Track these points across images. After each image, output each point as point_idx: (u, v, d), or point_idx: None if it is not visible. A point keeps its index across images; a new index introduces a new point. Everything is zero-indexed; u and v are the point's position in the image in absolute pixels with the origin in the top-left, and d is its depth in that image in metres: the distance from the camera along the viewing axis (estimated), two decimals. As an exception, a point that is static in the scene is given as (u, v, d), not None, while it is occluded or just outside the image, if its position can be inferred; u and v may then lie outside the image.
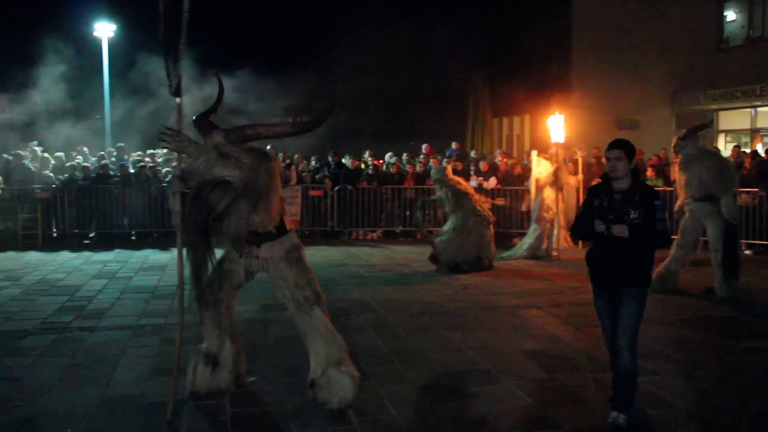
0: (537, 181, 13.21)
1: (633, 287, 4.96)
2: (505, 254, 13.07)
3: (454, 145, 20.36)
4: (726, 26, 22.85)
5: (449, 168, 12.53)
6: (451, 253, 11.56)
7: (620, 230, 4.84)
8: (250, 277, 5.76)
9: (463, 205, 11.64)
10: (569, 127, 13.79)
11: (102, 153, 17.69)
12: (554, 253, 13.03)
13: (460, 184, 11.92)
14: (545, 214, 13.02)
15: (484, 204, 12.06)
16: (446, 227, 11.85)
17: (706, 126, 10.69)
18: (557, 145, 13.26)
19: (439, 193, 12.03)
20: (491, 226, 11.87)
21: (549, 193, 13.08)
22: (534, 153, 13.55)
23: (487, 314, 8.52)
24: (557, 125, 13.21)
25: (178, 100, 5.42)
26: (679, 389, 5.81)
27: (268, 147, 17.07)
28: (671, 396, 5.65)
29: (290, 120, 5.41)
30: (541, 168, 13.24)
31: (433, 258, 11.79)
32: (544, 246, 13.12)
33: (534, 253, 13.02)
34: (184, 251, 5.37)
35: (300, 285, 5.53)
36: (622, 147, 4.98)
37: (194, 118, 5.37)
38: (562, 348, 7.08)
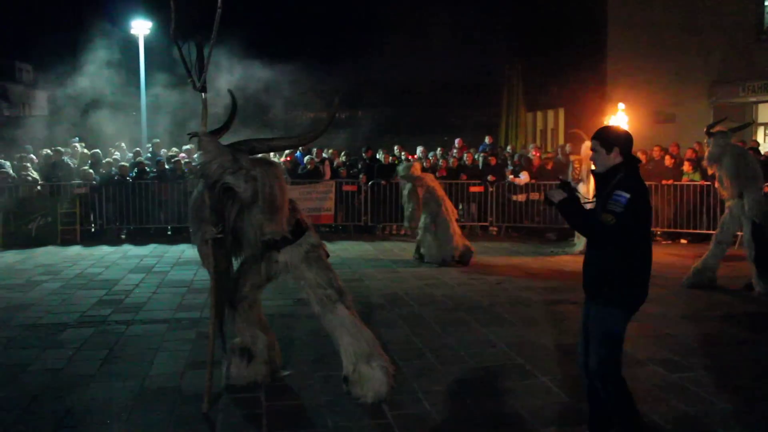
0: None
1: (595, 303, 4.45)
2: (568, 248, 13.10)
3: (487, 140, 20.26)
4: (766, 16, 22.38)
5: (417, 165, 12.54)
6: (433, 251, 11.74)
7: (552, 194, 4.40)
8: (271, 279, 5.80)
9: (429, 202, 11.72)
10: (605, 121, 13.62)
11: (138, 149, 17.92)
12: None
13: (427, 181, 11.93)
14: None
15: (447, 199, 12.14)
16: (421, 224, 11.92)
17: (745, 126, 10.43)
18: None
19: (406, 190, 11.99)
20: (453, 221, 11.86)
21: None
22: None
23: (522, 309, 8.48)
24: (619, 124, 12.91)
25: (204, 95, 5.45)
26: (716, 386, 5.73)
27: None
28: (708, 393, 5.58)
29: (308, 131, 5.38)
30: None
31: (419, 258, 12.04)
32: None
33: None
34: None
35: (321, 284, 5.55)
36: (597, 137, 4.50)
37: (202, 134, 5.30)
38: (597, 343, 7.01)
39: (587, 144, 13.41)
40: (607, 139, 4.47)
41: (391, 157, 17.13)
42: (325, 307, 5.55)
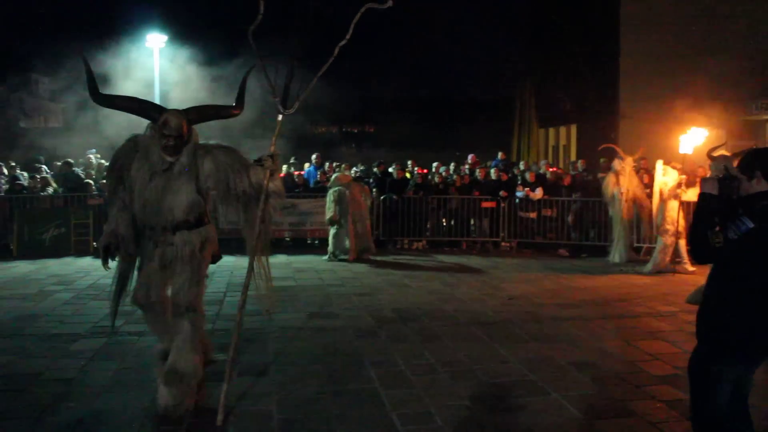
0: (661, 192, 12.48)
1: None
2: (638, 268, 12.82)
3: (499, 155, 20.28)
4: (779, 33, 22.34)
5: (341, 174, 14.51)
6: (335, 245, 13.94)
7: (705, 181, 3.92)
8: (165, 268, 5.60)
9: (342, 204, 13.76)
10: (617, 137, 13.66)
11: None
12: (681, 267, 12.41)
13: (348, 189, 13.93)
14: (669, 227, 12.33)
15: (362, 206, 14.22)
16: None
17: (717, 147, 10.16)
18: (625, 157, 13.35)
19: (330, 194, 13.95)
20: (368, 223, 14.35)
21: (673, 204, 12.37)
22: (660, 162, 12.75)
23: (534, 325, 8.44)
24: (691, 138, 12.69)
25: (279, 117, 5.49)
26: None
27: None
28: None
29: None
30: (667, 178, 12.49)
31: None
32: (668, 260, 12.49)
33: (658, 268, 12.44)
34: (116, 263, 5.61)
35: (184, 293, 5.48)
36: (740, 162, 3.97)
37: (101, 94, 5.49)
38: (610, 361, 6.97)
39: (627, 160, 13.32)
40: (748, 162, 3.89)
41: (403, 172, 17.16)
42: (177, 310, 5.50)
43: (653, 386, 6.14)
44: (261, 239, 5.51)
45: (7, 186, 15.30)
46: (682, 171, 12.58)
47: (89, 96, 5.50)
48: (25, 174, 15.98)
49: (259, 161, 5.40)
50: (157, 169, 5.36)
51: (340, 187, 13.92)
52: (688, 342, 7.51)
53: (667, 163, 12.77)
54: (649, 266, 12.66)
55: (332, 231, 14.04)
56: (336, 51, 5.42)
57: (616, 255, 13.79)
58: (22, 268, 12.66)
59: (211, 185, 5.42)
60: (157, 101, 22.21)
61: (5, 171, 16.22)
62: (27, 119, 30.59)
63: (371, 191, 15.49)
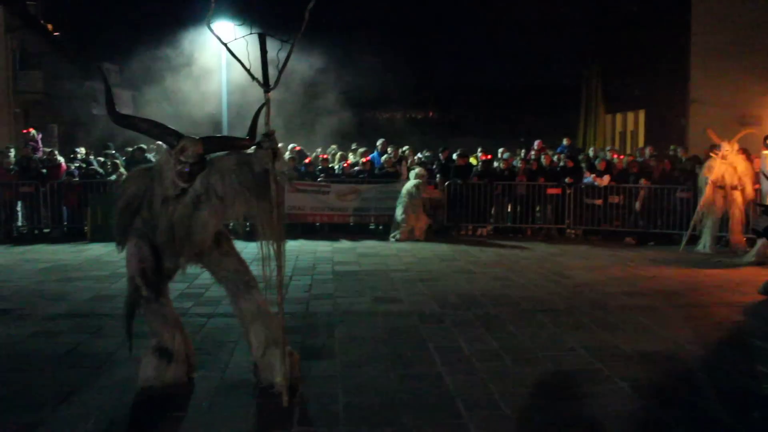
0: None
1: None
2: (737, 259, 12.06)
3: (565, 142, 20.02)
4: None
5: (420, 170, 15.31)
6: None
7: (758, 223, 3.98)
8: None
9: (412, 194, 14.85)
10: (687, 123, 13.22)
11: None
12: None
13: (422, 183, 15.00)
14: None
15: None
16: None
17: None
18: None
19: (406, 186, 14.93)
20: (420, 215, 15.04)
21: None
22: None
23: (600, 313, 8.33)
24: None
25: (267, 95, 5.49)
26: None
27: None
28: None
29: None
30: None
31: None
32: None
33: (762, 259, 11.55)
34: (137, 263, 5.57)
35: (240, 270, 5.85)
36: None
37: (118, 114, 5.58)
38: (678, 350, 6.83)
39: (731, 144, 12.75)
40: None
41: (471, 158, 17.14)
42: (239, 291, 5.73)
43: (725, 379, 6.00)
44: (278, 224, 5.59)
45: (83, 171, 15.78)
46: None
47: (107, 114, 5.58)
48: (100, 159, 16.45)
49: (258, 145, 5.38)
50: (169, 194, 5.42)
51: (412, 182, 14.97)
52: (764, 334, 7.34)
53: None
54: (750, 256, 11.89)
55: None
56: (306, 15, 5.30)
57: (701, 244, 13.24)
58: (95, 250, 13.06)
59: (225, 194, 5.42)
60: (224, 91, 22.63)
61: (79, 156, 16.75)
62: (99, 106, 31.50)
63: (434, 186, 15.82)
